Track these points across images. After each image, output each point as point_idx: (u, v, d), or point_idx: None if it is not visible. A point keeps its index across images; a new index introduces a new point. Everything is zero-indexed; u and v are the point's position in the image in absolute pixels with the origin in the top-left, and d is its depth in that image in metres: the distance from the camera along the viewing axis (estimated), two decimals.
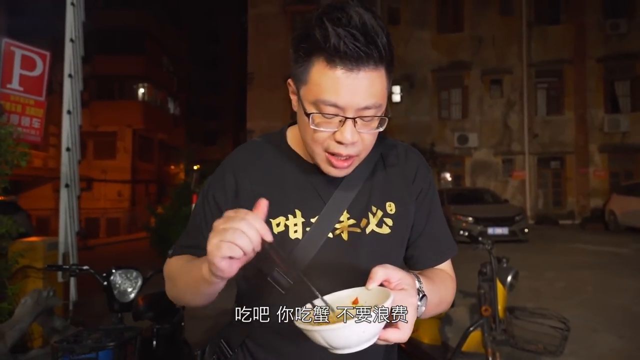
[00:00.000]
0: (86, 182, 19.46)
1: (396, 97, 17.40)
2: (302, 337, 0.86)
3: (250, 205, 0.74)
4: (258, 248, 0.69)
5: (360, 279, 0.89)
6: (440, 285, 0.93)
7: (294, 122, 0.98)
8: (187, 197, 7.04)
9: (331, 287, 0.88)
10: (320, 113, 0.80)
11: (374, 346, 0.95)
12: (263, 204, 0.71)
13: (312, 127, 0.82)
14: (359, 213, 0.91)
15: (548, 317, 2.62)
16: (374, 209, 0.93)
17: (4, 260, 3.23)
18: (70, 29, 4.07)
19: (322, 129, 0.82)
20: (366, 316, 0.64)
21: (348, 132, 0.80)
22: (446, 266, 1.03)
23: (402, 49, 16.82)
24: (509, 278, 2.50)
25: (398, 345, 1.03)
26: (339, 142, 0.82)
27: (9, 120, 4.17)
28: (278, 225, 0.91)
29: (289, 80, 0.88)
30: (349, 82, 0.77)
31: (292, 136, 1.00)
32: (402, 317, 0.72)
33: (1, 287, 3.13)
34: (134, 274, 2.05)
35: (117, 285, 2.03)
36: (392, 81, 0.86)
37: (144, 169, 24.66)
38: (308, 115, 0.81)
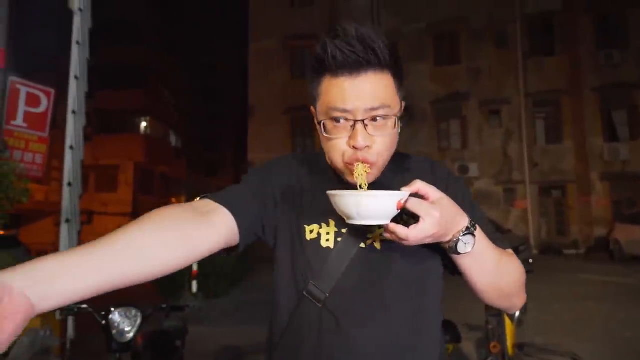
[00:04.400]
0: (87, 216, 19.40)
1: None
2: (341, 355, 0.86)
3: (289, 201, 0.93)
4: None
5: (395, 287, 0.89)
6: (502, 255, 0.89)
7: None
8: None
9: (367, 297, 0.88)
10: (330, 119, 0.84)
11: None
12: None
13: (324, 135, 0.86)
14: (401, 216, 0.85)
15: (559, 353, 2.54)
16: (405, 216, 0.88)
17: None
18: (75, 67, 4.14)
19: (334, 136, 0.85)
20: (376, 193, 0.75)
21: (359, 135, 0.82)
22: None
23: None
24: (517, 313, 2.44)
25: None
26: (354, 148, 0.83)
27: (12, 156, 4.20)
28: (312, 232, 0.92)
29: (312, 108, 0.92)
30: (353, 86, 0.81)
31: None
32: (416, 219, 0.76)
33: None
34: (134, 312, 1.99)
35: (116, 325, 1.97)
36: (402, 87, 0.89)
37: (145, 202, 24.63)
38: (319, 123, 0.86)
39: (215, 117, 34.54)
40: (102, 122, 23.59)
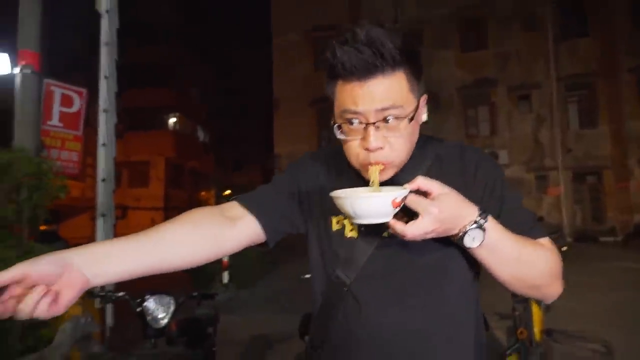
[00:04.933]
0: (121, 210, 20.03)
1: (422, 117, 17.34)
2: (368, 344, 0.91)
3: (316, 197, 0.99)
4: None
5: (415, 274, 0.92)
6: (527, 245, 0.86)
7: None
8: None
9: (388, 284, 0.92)
10: (344, 121, 0.87)
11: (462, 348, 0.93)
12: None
13: (340, 137, 0.89)
14: (413, 211, 0.83)
15: (589, 340, 2.51)
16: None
17: None
18: (104, 67, 4.29)
19: (348, 137, 0.88)
20: (369, 195, 0.80)
21: (371, 137, 0.83)
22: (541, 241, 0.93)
23: (426, 69, 16.82)
24: None
25: None
26: (367, 150, 0.85)
27: (49, 154, 4.39)
28: (338, 222, 0.98)
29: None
30: (364, 90, 0.82)
31: None
32: (414, 215, 0.79)
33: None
34: (167, 299, 2.08)
35: (151, 312, 2.07)
36: (421, 82, 0.90)
37: (175, 196, 25.24)
38: (335, 125, 0.89)
39: (241, 112, 34.88)
40: (132, 120, 24.19)
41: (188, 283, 7.20)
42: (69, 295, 0.69)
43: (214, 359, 2.73)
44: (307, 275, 1.10)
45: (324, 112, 18.08)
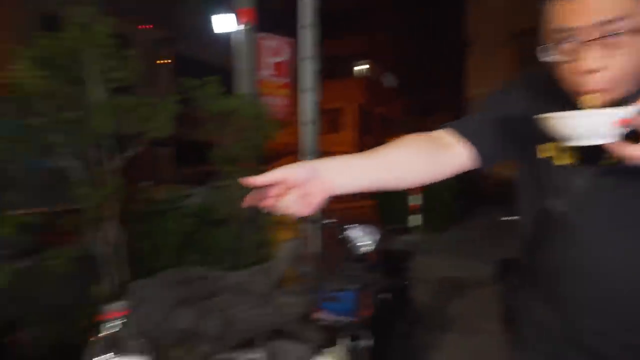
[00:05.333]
0: (318, 154, 22.01)
1: None
2: (585, 277, 0.86)
3: (523, 124, 0.89)
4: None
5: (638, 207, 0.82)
6: None
7: None
8: None
9: (608, 214, 0.83)
10: (555, 42, 0.77)
11: None
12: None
13: (550, 59, 0.79)
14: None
15: None
16: None
17: (265, 217, 3.97)
18: (305, 15, 4.58)
19: (562, 59, 0.78)
20: (594, 112, 0.71)
21: (588, 58, 0.73)
22: None
23: None
24: None
25: None
26: (584, 72, 0.75)
27: (262, 101, 5.03)
28: (547, 150, 0.90)
29: None
30: (578, 3, 0.73)
31: None
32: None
33: (263, 237, 3.88)
34: (370, 229, 2.25)
35: (354, 239, 2.26)
36: None
37: (365, 142, 26.38)
38: (545, 47, 0.79)
39: (431, 54, 33.56)
40: (325, 69, 25.67)
41: (380, 221, 7.61)
42: (317, 199, 0.76)
43: (408, 292, 2.86)
44: (508, 218, 1.04)
45: (526, 47, 16.02)
